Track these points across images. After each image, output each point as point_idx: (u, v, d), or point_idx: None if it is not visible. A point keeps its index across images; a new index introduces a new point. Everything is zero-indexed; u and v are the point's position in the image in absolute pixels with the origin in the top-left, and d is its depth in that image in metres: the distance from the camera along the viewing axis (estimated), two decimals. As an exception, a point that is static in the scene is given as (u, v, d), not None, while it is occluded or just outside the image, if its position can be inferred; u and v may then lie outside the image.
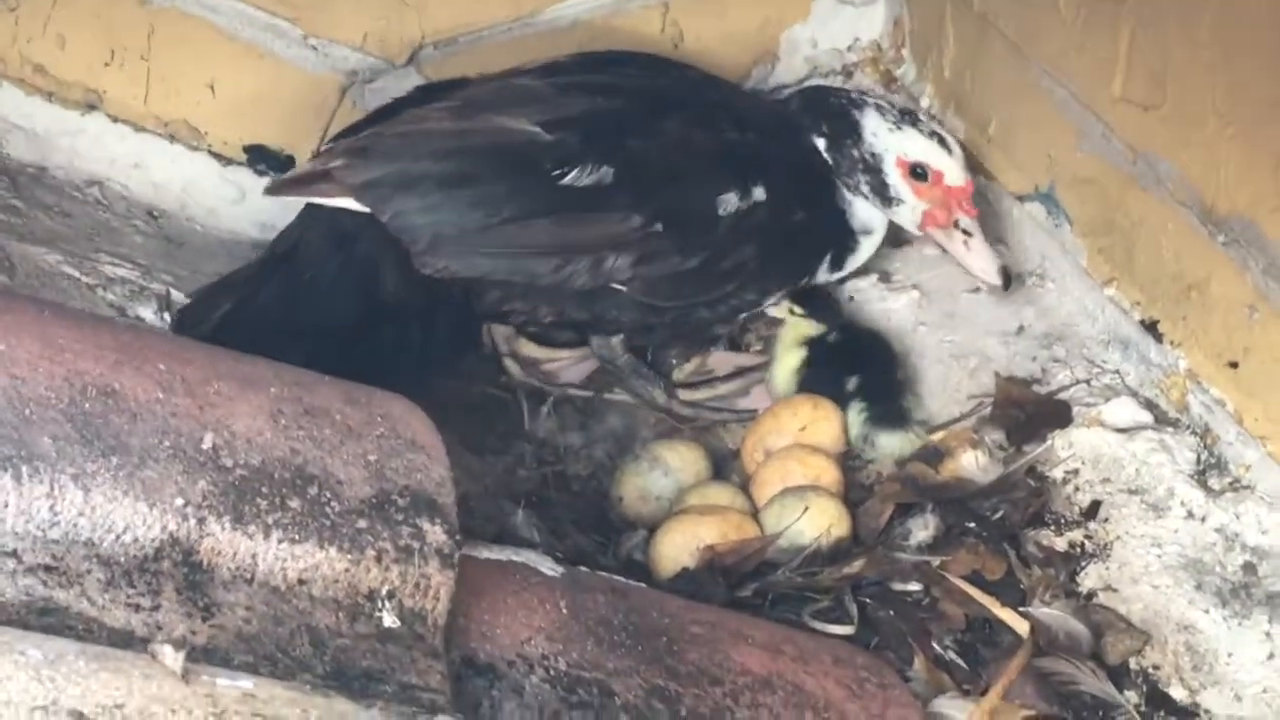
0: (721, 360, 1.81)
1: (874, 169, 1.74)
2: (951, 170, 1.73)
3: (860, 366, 1.70)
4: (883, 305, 1.83)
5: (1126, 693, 1.45)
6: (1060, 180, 1.81)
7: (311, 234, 1.63)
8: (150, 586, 0.97)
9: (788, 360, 1.73)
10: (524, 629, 1.16)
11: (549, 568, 1.27)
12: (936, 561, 1.51)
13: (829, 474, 1.60)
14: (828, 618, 1.47)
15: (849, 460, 1.66)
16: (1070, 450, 1.64)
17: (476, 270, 1.60)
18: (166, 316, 1.62)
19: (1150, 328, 1.70)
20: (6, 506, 0.96)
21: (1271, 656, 1.47)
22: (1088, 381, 1.71)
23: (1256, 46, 1.51)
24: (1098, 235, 1.77)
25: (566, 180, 1.60)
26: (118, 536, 0.98)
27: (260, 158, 1.75)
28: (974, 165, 1.91)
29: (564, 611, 1.20)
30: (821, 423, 1.66)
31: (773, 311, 1.79)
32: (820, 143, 1.77)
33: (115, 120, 1.82)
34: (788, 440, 1.64)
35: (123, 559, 0.98)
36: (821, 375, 1.71)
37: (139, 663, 0.83)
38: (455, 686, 1.04)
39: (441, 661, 1.04)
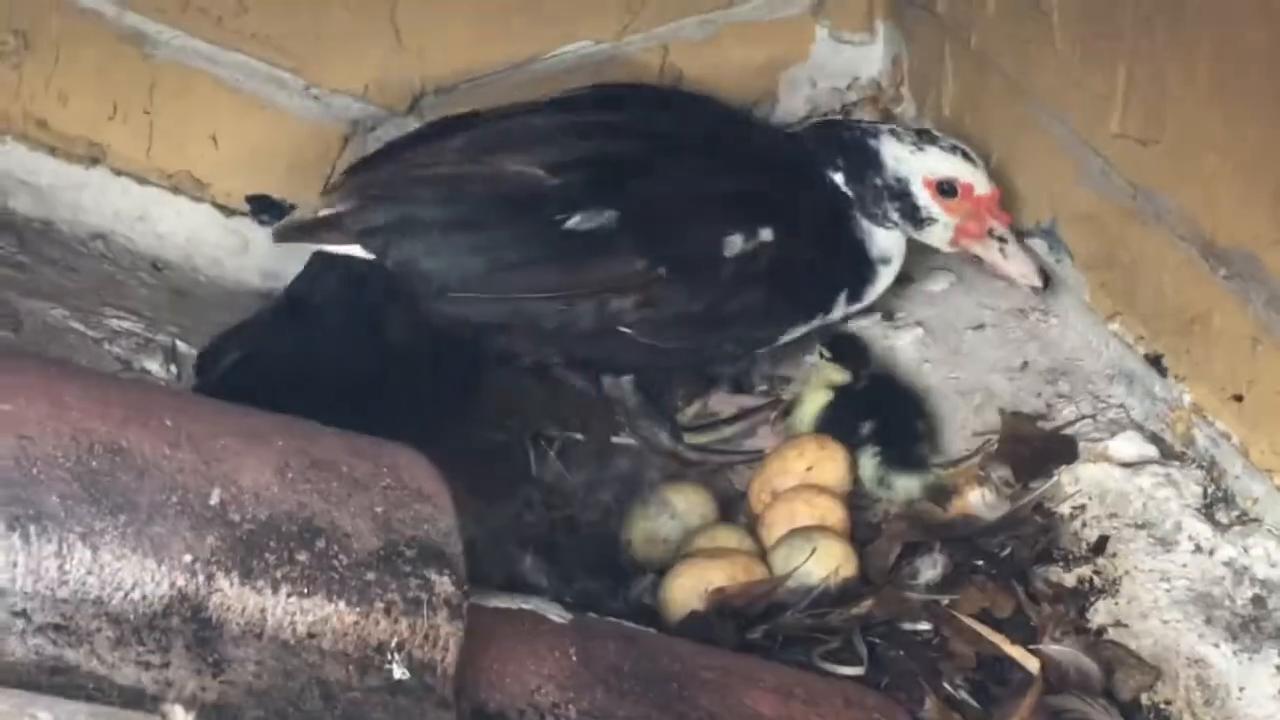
0: (724, 402, 1.81)
1: (902, 194, 1.73)
2: (979, 180, 1.73)
3: (878, 412, 1.69)
4: (887, 343, 1.82)
5: (1139, 729, 1.45)
6: (1061, 215, 1.82)
7: (322, 279, 1.63)
8: (160, 644, 0.97)
9: (813, 402, 1.72)
10: (534, 677, 1.16)
11: (558, 615, 1.27)
12: (945, 600, 1.51)
13: (836, 514, 1.60)
14: (838, 659, 1.46)
15: (856, 500, 1.65)
16: (1077, 486, 1.64)
17: (482, 315, 1.61)
18: (173, 369, 1.62)
19: (1154, 362, 1.70)
20: (15, 566, 0.96)
21: (1283, 691, 1.47)
22: (1093, 416, 1.71)
23: (1254, 81, 1.52)
24: (1099, 270, 1.77)
25: (570, 224, 1.60)
26: (126, 594, 0.98)
27: (263, 208, 1.75)
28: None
29: (574, 659, 1.20)
30: (827, 463, 1.65)
31: (807, 358, 1.79)
32: (838, 177, 1.75)
33: (119, 174, 1.83)
34: (794, 481, 1.64)
35: (132, 616, 0.98)
36: (838, 418, 1.70)
37: (149, 723, 0.83)
38: (466, 738, 1.05)
39: (452, 712, 1.04)
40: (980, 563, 1.55)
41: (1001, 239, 1.74)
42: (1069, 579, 1.57)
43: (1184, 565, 1.56)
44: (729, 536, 1.60)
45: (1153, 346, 1.71)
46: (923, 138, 1.75)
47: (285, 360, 1.58)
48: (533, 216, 1.60)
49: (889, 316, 1.85)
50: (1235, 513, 1.58)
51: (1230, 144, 1.56)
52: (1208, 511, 1.59)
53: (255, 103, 1.84)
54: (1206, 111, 1.58)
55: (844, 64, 2.08)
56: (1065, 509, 1.63)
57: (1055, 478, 1.64)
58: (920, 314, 1.85)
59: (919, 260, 1.91)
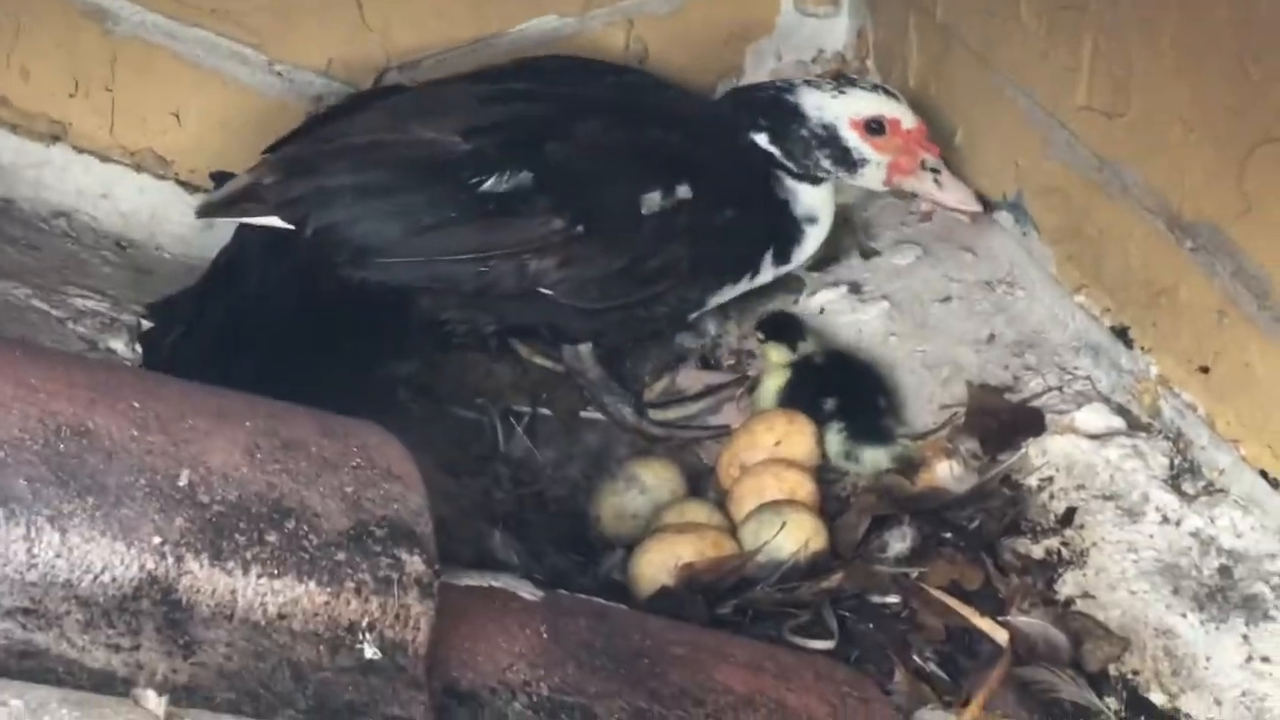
0: (692, 378, 1.81)
1: (830, 140, 1.75)
2: (905, 115, 1.75)
3: (839, 388, 1.69)
4: (854, 317, 1.83)
5: (1107, 699, 1.45)
6: (1027, 188, 1.82)
7: (249, 248, 1.65)
8: (130, 626, 0.97)
9: (773, 381, 1.73)
10: (505, 655, 1.16)
11: (528, 592, 1.26)
12: (915, 573, 1.52)
13: (805, 488, 1.60)
14: (808, 633, 1.46)
15: (825, 473, 1.65)
16: (1044, 458, 1.64)
17: (400, 278, 1.62)
18: (138, 348, 1.62)
19: (1121, 334, 1.71)
20: (-16, 551, 0.95)
21: (1249, 660, 1.47)
22: (1060, 389, 1.71)
23: (1218, 52, 1.52)
24: (1066, 242, 1.78)
25: (485, 187, 1.61)
26: (96, 577, 0.98)
27: (224, 182, 1.74)
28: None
29: (545, 636, 1.20)
30: (796, 436, 1.66)
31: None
32: (761, 138, 1.76)
33: (81, 151, 1.82)
34: (763, 455, 1.64)
35: (101, 599, 0.97)
36: (801, 396, 1.70)
37: (121, 708, 0.82)
38: (438, 716, 1.04)
39: (424, 692, 1.03)
40: (949, 535, 1.56)
41: (935, 170, 1.76)
42: (1037, 551, 1.58)
43: (1151, 536, 1.56)
44: (698, 511, 1.60)
45: (1119, 319, 1.71)
46: (842, 81, 1.78)
47: (223, 335, 1.59)
48: (447, 180, 1.62)
49: (856, 290, 1.85)
50: (1202, 483, 1.59)
51: (1196, 116, 1.57)
52: (1174, 482, 1.60)
53: (218, 79, 1.84)
54: (1172, 84, 1.59)
55: (809, 36, 2.08)
56: (1033, 481, 1.63)
57: (1023, 450, 1.65)
58: (887, 287, 1.85)
59: (886, 233, 1.91)
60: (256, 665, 0.99)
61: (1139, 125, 1.64)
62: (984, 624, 1.47)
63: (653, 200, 1.67)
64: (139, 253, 1.81)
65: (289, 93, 1.86)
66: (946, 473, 1.62)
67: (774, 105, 1.77)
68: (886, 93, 1.77)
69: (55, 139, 1.81)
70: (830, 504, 1.61)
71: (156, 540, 0.99)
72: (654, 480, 1.64)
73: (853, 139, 1.74)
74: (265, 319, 1.60)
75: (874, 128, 1.74)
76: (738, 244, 1.74)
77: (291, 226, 1.60)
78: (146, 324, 1.64)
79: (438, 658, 1.09)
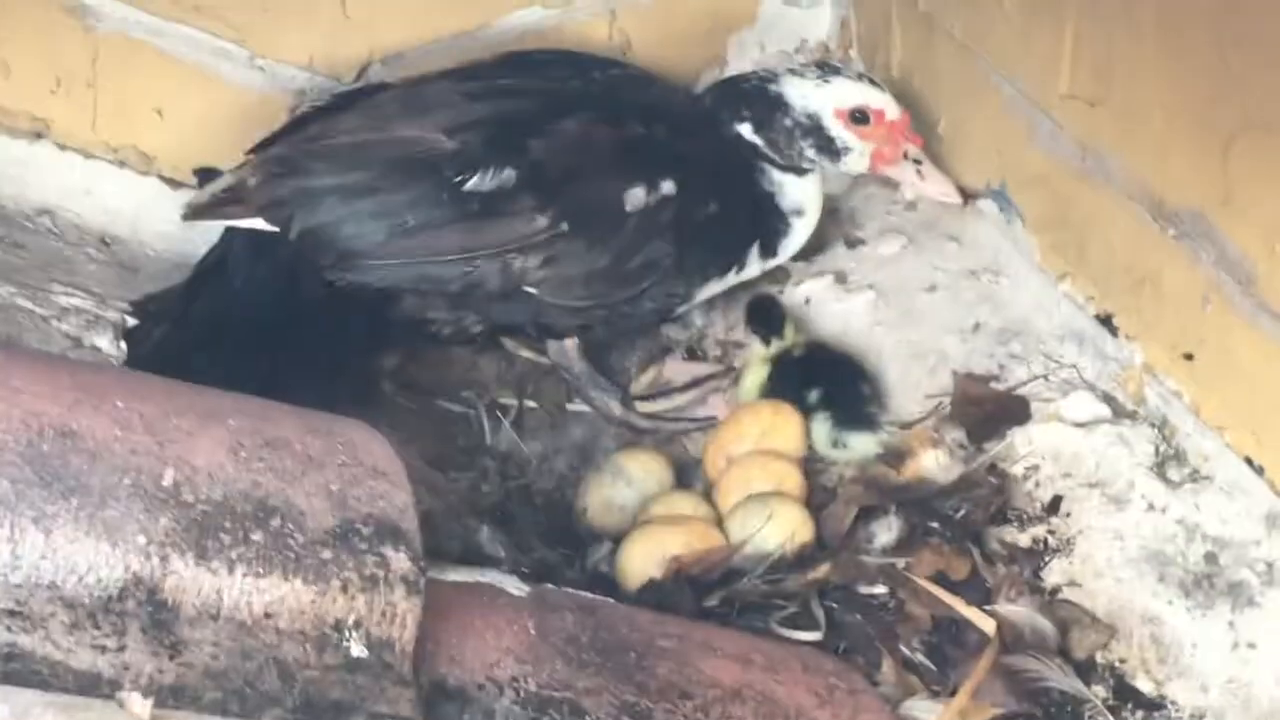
0: (678, 370, 1.81)
1: (814, 129, 1.74)
2: (889, 106, 1.76)
3: (822, 378, 1.69)
4: (840, 306, 1.82)
5: (1094, 687, 1.46)
6: (1011, 177, 1.82)
7: (234, 247, 1.65)
8: (115, 627, 0.97)
9: (755, 374, 1.73)
10: (493, 651, 1.16)
11: (515, 587, 1.27)
12: (901, 563, 1.52)
13: (791, 479, 1.61)
14: (795, 624, 1.47)
15: (811, 464, 1.65)
16: (1030, 446, 1.65)
17: (385, 280, 1.62)
18: (123, 345, 1.62)
19: (1105, 322, 1.71)
20: (-33, 553, 0.95)
21: (1236, 646, 1.47)
22: (1045, 377, 1.71)
23: (1199, 39, 1.52)
24: (1050, 231, 1.78)
25: (469, 186, 1.61)
26: (81, 578, 0.98)
27: (211, 180, 1.74)
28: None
29: (532, 632, 1.20)
30: (782, 427, 1.66)
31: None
32: (745, 129, 1.76)
33: (64, 148, 1.81)
34: (749, 447, 1.64)
35: (87, 600, 0.97)
36: (783, 387, 1.70)
37: (107, 711, 0.83)
38: (426, 713, 1.04)
39: (411, 689, 1.04)
40: (935, 525, 1.56)
41: (917, 160, 1.77)
42: (1023, 539, 1.58)
43: (1137, 524, 1.57)
44: (685, 503, 1.61)
45: (1103, 306, 1.72)
46: (826, 70, 1.77)
47: (208, 334, 1.59)
48: (431, 180, 1.62)
49: (841, 280, 1.85)
50: (1187, 470, 1.59)
51: (1177, 103, 1.57)
52: (1160, 470, 1.60)
53: (200, 74, 1.83)
54: (1153, 71, 1.59)
55: (792, 27, 2.08)
56: (1019, 470, 1.63)
57: (1008, 439, 1.65)
58: (872, 277, 1.85)
59: (871, 223, 1.91)
60: (243, 664, 0.99)
61: (1121, 113, 1.64)
62: (971, 613, 1.47)
63: (637, 197, 1.66)
64: (123, 249, 1.80)
65: (271, 87, 1.86)
66: (932, 462, 1.62)
67: (758, 96, 1.76)
68: (871, 82, 1.77)
69: (38, 136, 1.80)
70: (816, 495, 1.62)
71: (141, 540, 0.99)
72: (641, 472, 1.64)
73: (837, 128, 1.74)
74: (250, 318, 1.60)
75: (858, 117, 1.74)
76: (723, 239, 1.73)
77: (276, 228, 1.60)
78: (131, 321, 1.64)
79: (425, 654, 1.09)
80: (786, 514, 1.55)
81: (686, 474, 1.69)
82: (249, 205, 1.61)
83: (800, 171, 1.76)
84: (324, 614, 1.03)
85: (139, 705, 0.83)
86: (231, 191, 1.63)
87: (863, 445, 1.66)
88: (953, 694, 1.41)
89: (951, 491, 1.59)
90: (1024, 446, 1.65)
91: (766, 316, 1.77)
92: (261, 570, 1.02)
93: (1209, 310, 1.57)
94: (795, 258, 1.83)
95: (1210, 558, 1.53)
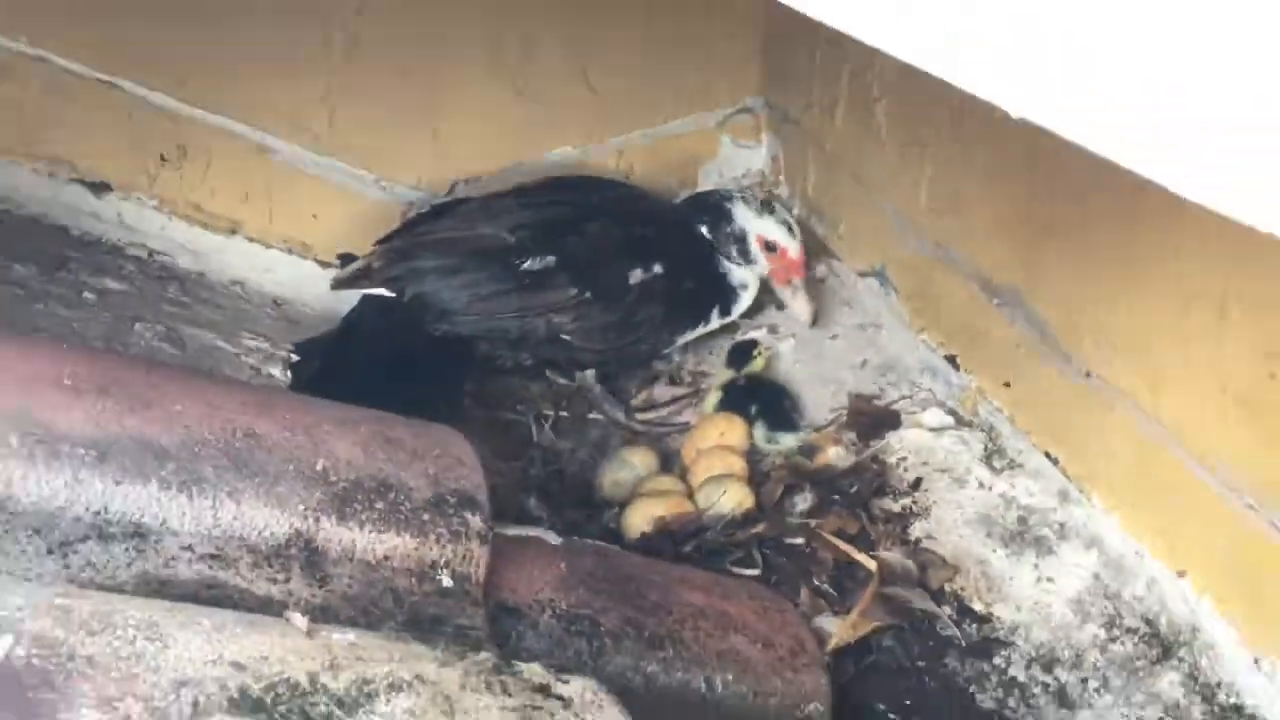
0: (663, 392, 1.80)
1: (741, 240, 1.73)
2: (793, 247, 1.72)
3: (758, 398, 1.69)
4: (773, 349, 1.82)
5: (944, 607, 1.45)
6: (888, 263, 1.83)
7: (367, 308, 1.65)
8: (283, 566, 0.97)
9: (714, 396, 1.73)
10: (536, 582, 1.16)
11: (553, 538, 1.27)
12: (814, 523, 1.51)
13: (739, 466, 1.60)
14: (742, 564, 1.47)
15: (752, 456, 1.65)
16: (900, 444, 1.64)
17: (467, 330, 1.62)
18: (289, 374, 1.62)
19: (951, 360, 1.72)
20: (184, 515, 0.95)
21: (1039, 580, 1.47)
22: (910, 397, 1.71)
23: (1012, 174, 1.53)
24: (914, 299, 1.78)
25: (524, 267, 1.61)
26: (259, 532, 0.98)
27: (348, 262, 1.75)
28: (830, 252, 1.93)
29: (563, 569, 1.20)
30: (734, 431, 1.65)
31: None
32: (704, 229, 1.75)
33: (250, 240, 1.82)
34: (712, 444, 1.64)
35: (264, 548, 0.97)
36: (734, 403, 1.70)
37: (277, 625, 0.83)
38: (491, 626, 1.04)
39: (482, 609, 1.04)
40: (837, 497, 1.56)
41: (796, 287, 1.74)
42: (896, 507, 1.58)
43: (972, 497, 1.57)
44: (668, 482, 1.60)
45: (950, 350, 1.72)
46: (765, 208, 1.74)
47: (347, 366, 1.58)
48: (499, 263, 1.62)
49: (774, 330, 1.84)
50: (1006, 461, 1.60)
51: (997, 216, 1.58)
52: (988, 460, 1.60)
53: (342, 191, 1.84)
54: (982, 196, 1.60)
55: (741, 161, 2.09)
56: (893, 459, 1.63)
57: (886, 439, 1.65)
58: (794, 329, 1.85)
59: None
60: (369, 591, 0.99)
61: (961, 221, 1.65)
62: (861, 557, 1.47)
63: (636, 274, 1.67)
64: (290, 309, 1.81)
65: (389, 199, 1.87)
66: (835, 454, 1.62)
67: (715, 208, 1.76)
68: (789, 229, 1.73)
69: (233, 231, 1.81)
70: (756, 476, 1.61)
71: (301, 507, 1.00)
72: (638, 461, 1.64)
73: (755, 247, 1.73)
74: (376, 356, 1.60)
75: (770, 246, 1.72)
76: (694, 303, 1.73)
77: (395, 294, 1.60)
78: (295, 358, 1.63)
79: (491, 585, 1.09)
80: (736, 489, 1.55)
81: (669, 461, 1.68)
82: (376, 279, 1.62)
83: (740, 263, 1.76)
84: (424, 557, 1.03)
85: (299, 620, 0.83)
86: (364, 270, 1.63)
87: (788, 442, 1.66)
88: (848, 612, 1.41)
89: (848, 474, 1.59)
90: (896, 444, 1.64)
91: (742, 355, 1.77)
92: (382, 528, 1.02)
93: (1020, 353, 1.57)
94: (743, 316, 1.82)
95: (1022, 520, 1.53)
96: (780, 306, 1.85)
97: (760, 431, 1.67)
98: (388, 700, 0.78)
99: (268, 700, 0.74)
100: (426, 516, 1.05)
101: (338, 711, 0.76)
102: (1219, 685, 1.34)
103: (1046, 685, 1.38)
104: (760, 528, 1.50)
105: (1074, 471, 1.53)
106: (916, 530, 1.55)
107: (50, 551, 0.88)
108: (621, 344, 1.69)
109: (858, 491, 1.57)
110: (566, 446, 1.71)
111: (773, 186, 2.07)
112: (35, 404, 0.94)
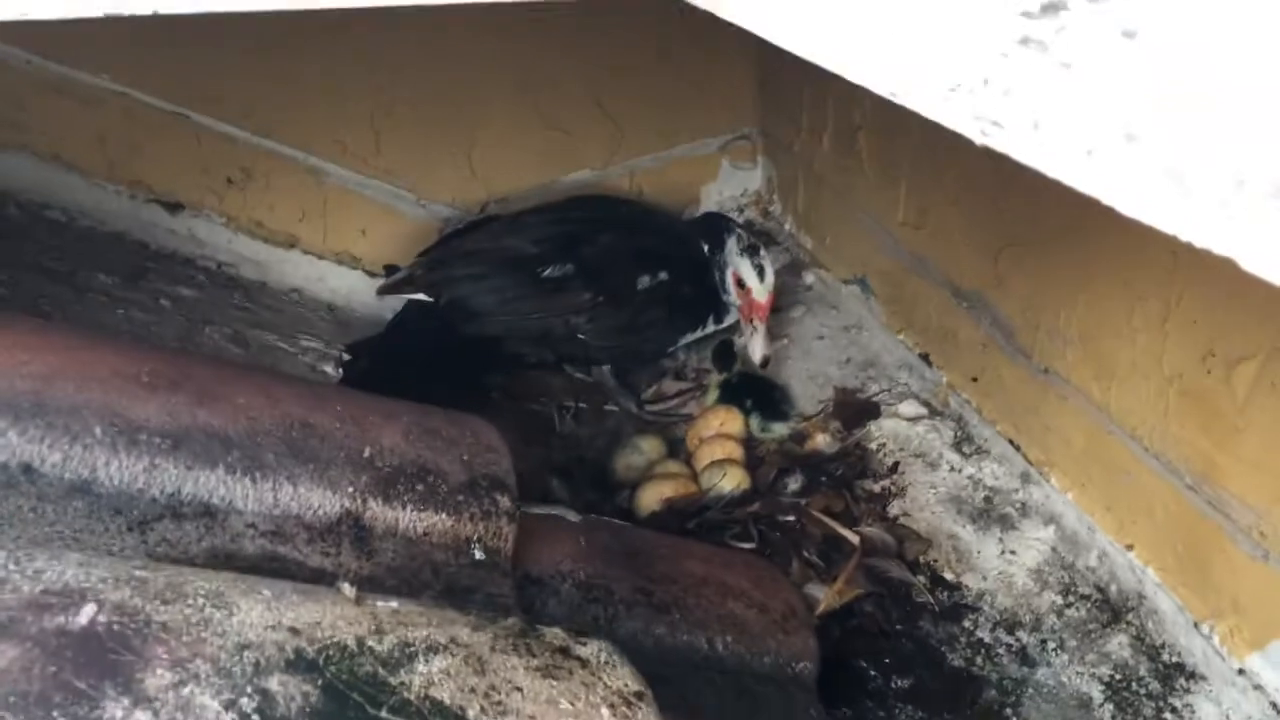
0: (670, 386, 1.81)
1: (721, 270, 1.69)
2: (759, 291, 1.65)
3: (753, 391, 1.69)
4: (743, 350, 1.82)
5: (918, 576, 1.46)
6: (869, 271, 1.82)
7: (409, 311, 1.65)
8: (334, 541, 0.96)
9: (714, 390, 1.73)
10: (558, 555, 1.16)
11: (572, 516, 1.26)
12: (803, 502, 1.52)
13: (737, 452, 1.61)
14: (739, 539, 1.47)
15: (749, 443, 1.65)
16: (880, 432, 1.65)
17: (495, 330, 1.62)
18: (340, 371, 1.62)
19: (925, 358, 1.71)
20: (248, 497, 0.95)
21: (1003, 553, 1.47)
22: (889, 390, 1.71)
23: (980, 192, 1.52)
24: (892, 304, 1.78)
25: (545, 274, 1.61)
26: (314, 511, 0.97)
27: (393, 272, 1.75)
28: (818, 262, 1.92)
29: (582, 544, 1.19)
30: (732, 421, 1.66)
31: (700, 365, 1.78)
32: (705, 248, 1.73)
33: (306, 253, 1.83)
34: (713, 432, 1.64)
35: (318, 525, 0.97)
36: (731, 397, 1.70)
37: (329, 594, 0.82)
38: (518, 594, 1.04)
39: (509, 579, 1.03)
40: (824, 479, 1.56)
41: (755, 329, 1.66)
42: (876, 488, 1.58)
43: (944, 479, 1.57)
44: (675, 466, 1.61)
45: (924, 348, 1.72)
46: (748, 250, 1.66)
47: (392, 363, 1.59)
48: (524, 271, 1.61)
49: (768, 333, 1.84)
50: (974, 447, 1.59)
51: (967, 229, 1.57)
52: (958, 446, 1.60)
53: (387, 209, 1.84)
54: (952, 210, 1.59)
55: (739, 182, 2.09)
56: (874, 445, 1.63)
57: (867, 427, 1.65)
58: (786, 330, 1.86)
59: (785, 298, 1.92)
60: (410, 564, 0.99)
61: (934, 234, 1.64)
62: (845, 533, 1.48)
63: (644, 281, 1.66)
64: (341, 313, 1.81)
65: (428, 217, 1.87)
66: (822, 441, 1.63)
67: (715, 234, 1.72)
68: (760, 273, 1.65)
69: (291, 245, 1.82)
70: (752, 461, 1.61)
71: (350, 489, 0.99)
72: (649, 447, 1.64)
73: (729, 281, 1.68)
74: (417, 354, 1.60)
75: (740, 283, 1.67)
76: (694, 309, 1.72)
77: (433, 299, 1.60)
78: (346, 357, 1.64)
79: (518, 558, 1.08)
80: (735, 473, 1.55)
81: (675, 448, 1.68)
82: (418, 285, 1.62)
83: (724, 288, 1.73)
84: (459, 534, 1.03)
85: (348, 589, 0.83)
86: (406, 278, 1.64)
87: (780, 431, 1.66)
88: (834, 581, 1.41)
89: (834, 459, 1.60)
90: (876, 432, 1.65)
91: (724, 355, 1.76)
92: (422, 507, 1.02)
93: (986, 352, 1.57)
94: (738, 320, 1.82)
95: (988, 500, 1.53)
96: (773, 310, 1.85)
97: (755, 421, 1.67)
98: (426, 661, 0.78)
99: (320, 661, 0.74)
100: (461, 498, 1.04)
101: (381, 671, 0.75)
102: (1163, 646, 1.33)
103: (1009, 646, 1.38)
104: (756, 506, 1.51)
105: (1033, 456, 1.53)
106: (894, 508, 1.55)
107: (130, 529, 0.88)
108: (630, 342, 1.69)
109: (842, 474, 1.57)
110: (585, 434, 1.71)
111: (767, 203, 2.07)
112: (117, 398, 0.94)
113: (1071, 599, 1.41)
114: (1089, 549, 1.43)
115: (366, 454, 1.02)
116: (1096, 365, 1.38)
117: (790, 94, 1.94)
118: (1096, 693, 1.31)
